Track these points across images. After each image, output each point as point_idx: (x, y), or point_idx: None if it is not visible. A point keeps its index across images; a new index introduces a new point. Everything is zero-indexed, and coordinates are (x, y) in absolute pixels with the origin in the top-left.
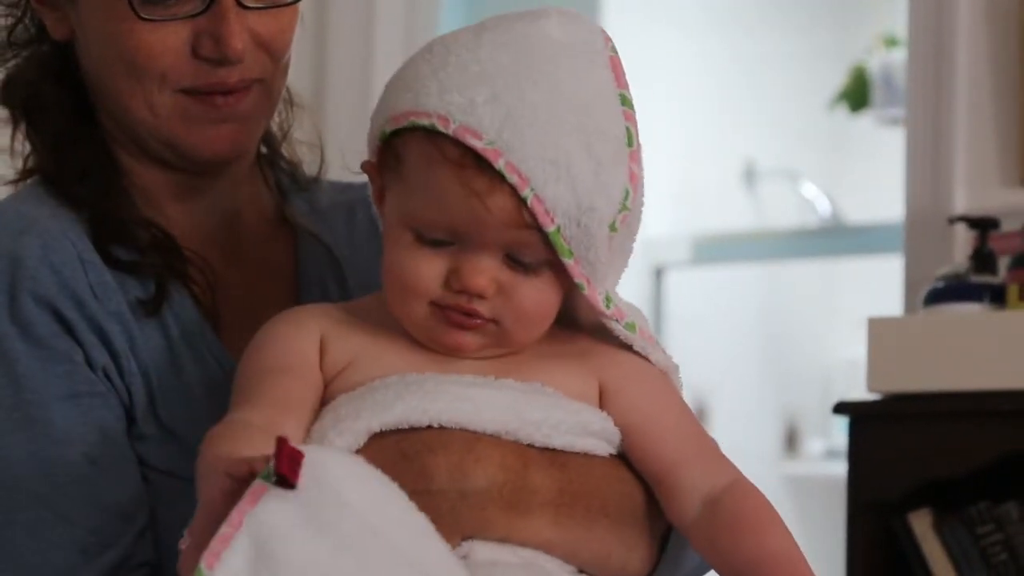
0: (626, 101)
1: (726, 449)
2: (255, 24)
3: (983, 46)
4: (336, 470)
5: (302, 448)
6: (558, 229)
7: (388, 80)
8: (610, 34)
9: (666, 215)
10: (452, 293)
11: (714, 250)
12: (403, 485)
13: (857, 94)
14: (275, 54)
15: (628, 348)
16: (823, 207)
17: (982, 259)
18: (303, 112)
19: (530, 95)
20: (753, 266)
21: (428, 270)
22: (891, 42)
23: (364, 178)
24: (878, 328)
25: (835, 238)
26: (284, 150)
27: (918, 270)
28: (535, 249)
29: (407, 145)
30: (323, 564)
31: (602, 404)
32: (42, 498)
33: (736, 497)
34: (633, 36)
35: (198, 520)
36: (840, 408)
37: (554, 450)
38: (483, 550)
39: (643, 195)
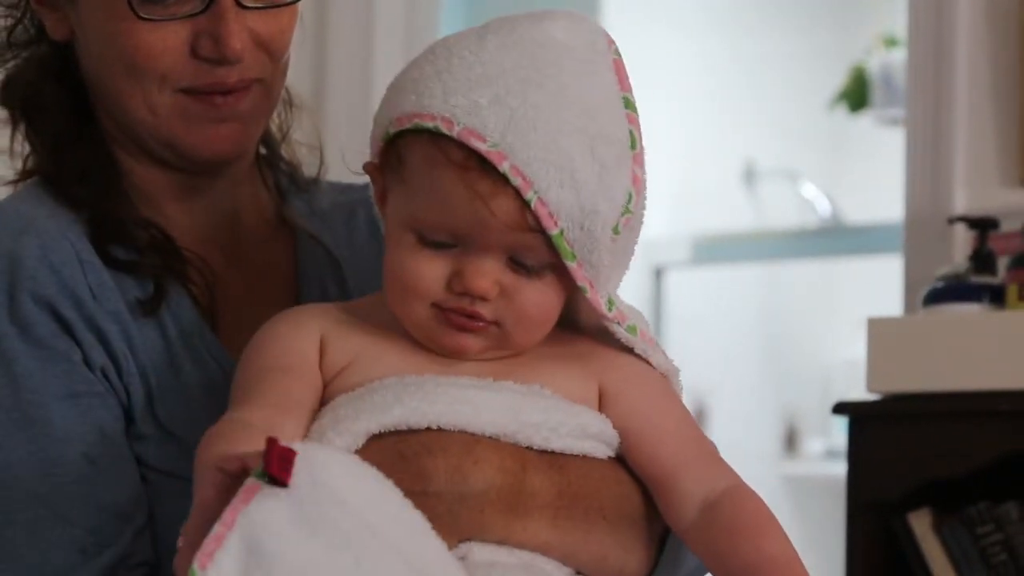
0: (629, 104)
1: (725, 449)
2: (254, 24)
3: (983, 46)
4: (332, 468)
5: (297, 446)
6: (561, 232)
7: (391, 82)
8: (610, 34)
9: (666, 215)
10: (454, 295)
11: (714, 250)
12: (401, 487)
13: (857, 94)
14: (274, 54)
15: (629, 351)
16: (823, 207)
17: (982, 259)
18: (303, 113)
19: (534, 98)
20: (753, 266)
21: (430, 272)
22: (891, 42)
23: (364, 179)
24: (878, 328)
25: (835, 238)
26: (283, 151)
27: (918, 270)
28: (538, 252)
29: (410, 147)
30: (318, 562)
31: (602, 407)
32: (41, 498)
33: (734, 501)
34: (633, 36)
35: (192, 519)
36: (840, 408)
37: (553, 453)
38: (481, 551)
39: (646, 198)
